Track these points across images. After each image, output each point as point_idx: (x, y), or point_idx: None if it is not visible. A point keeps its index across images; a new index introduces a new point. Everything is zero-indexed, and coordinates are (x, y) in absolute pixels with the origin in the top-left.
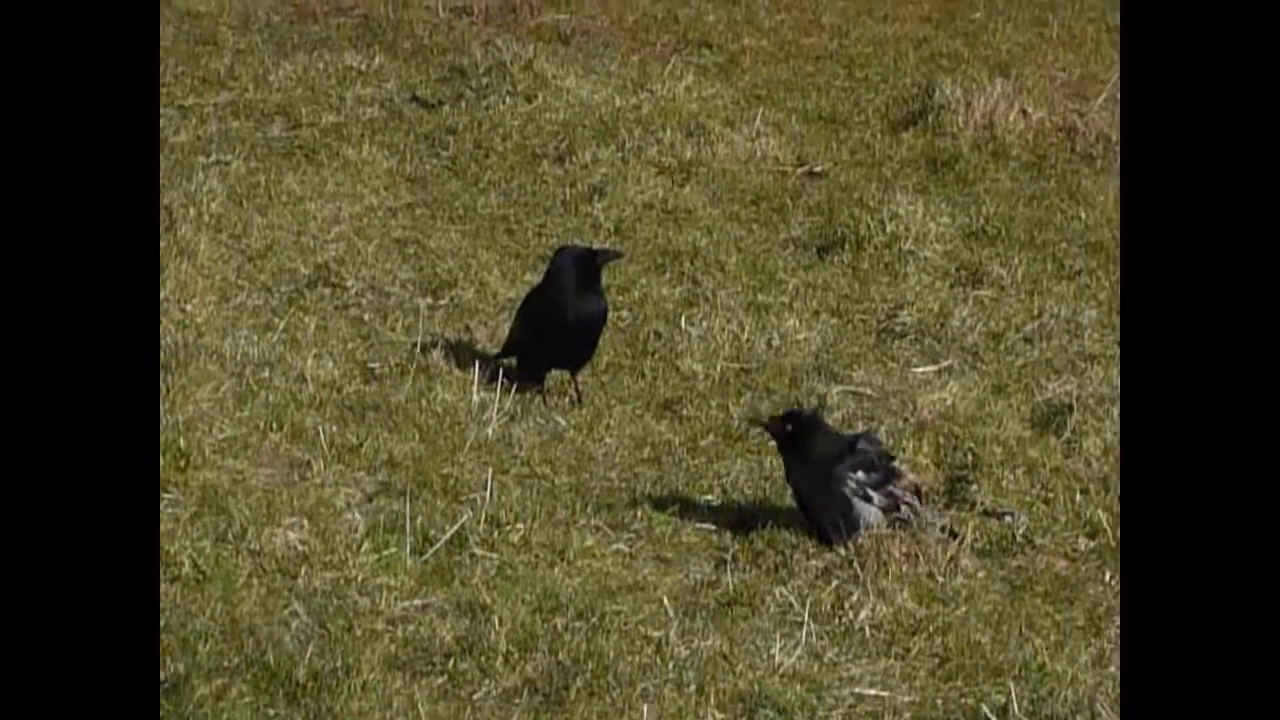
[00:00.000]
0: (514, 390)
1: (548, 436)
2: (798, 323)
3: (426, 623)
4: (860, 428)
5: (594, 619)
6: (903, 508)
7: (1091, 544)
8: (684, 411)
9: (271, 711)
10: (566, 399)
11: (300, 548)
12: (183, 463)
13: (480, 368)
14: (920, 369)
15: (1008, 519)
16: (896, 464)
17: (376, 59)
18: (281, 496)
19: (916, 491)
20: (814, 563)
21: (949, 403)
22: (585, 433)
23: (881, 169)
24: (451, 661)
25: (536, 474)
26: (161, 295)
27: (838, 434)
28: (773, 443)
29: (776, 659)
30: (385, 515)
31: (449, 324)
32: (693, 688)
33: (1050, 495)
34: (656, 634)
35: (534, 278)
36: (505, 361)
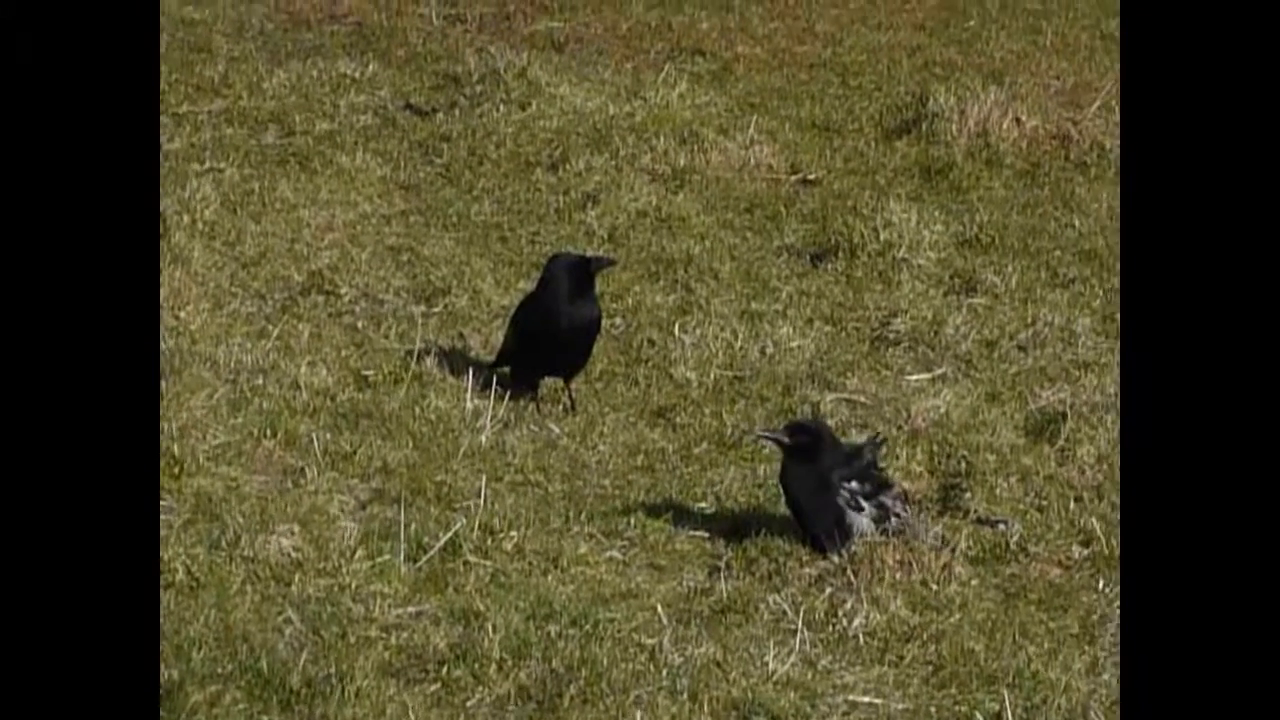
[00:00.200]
0: (507, 398)
1: (541, 444)
2: (791, 330)
3: (420, 630)
4: (854, 435)
5: (587, 626)
6: (893, 518)
7: (1085, 552)
8: (677, 419)
9: (265, 718)
10: (560, 406)
11: (294, 555)
12: (176, 470)
13: (474, 375)
14: (914, 377)
15: (1001, 527)
16: (886, 473)
17: (370, 67)
18: (275, 504)
19: (906, 500)
20: (808, 570)
21: (943, 410)
22: (579, 440)
23: (875, 177)
24: (445, 668)
25: (530, 481)
26: None
27: (838, 441)
28: (768, 450)
29: (770, 666)
30: (379, 522)
31: (443, 331)
32: (686, 695)
33: (1044, 503)
34: (650, 641)
35: (528, 285)
36: (499, 369)
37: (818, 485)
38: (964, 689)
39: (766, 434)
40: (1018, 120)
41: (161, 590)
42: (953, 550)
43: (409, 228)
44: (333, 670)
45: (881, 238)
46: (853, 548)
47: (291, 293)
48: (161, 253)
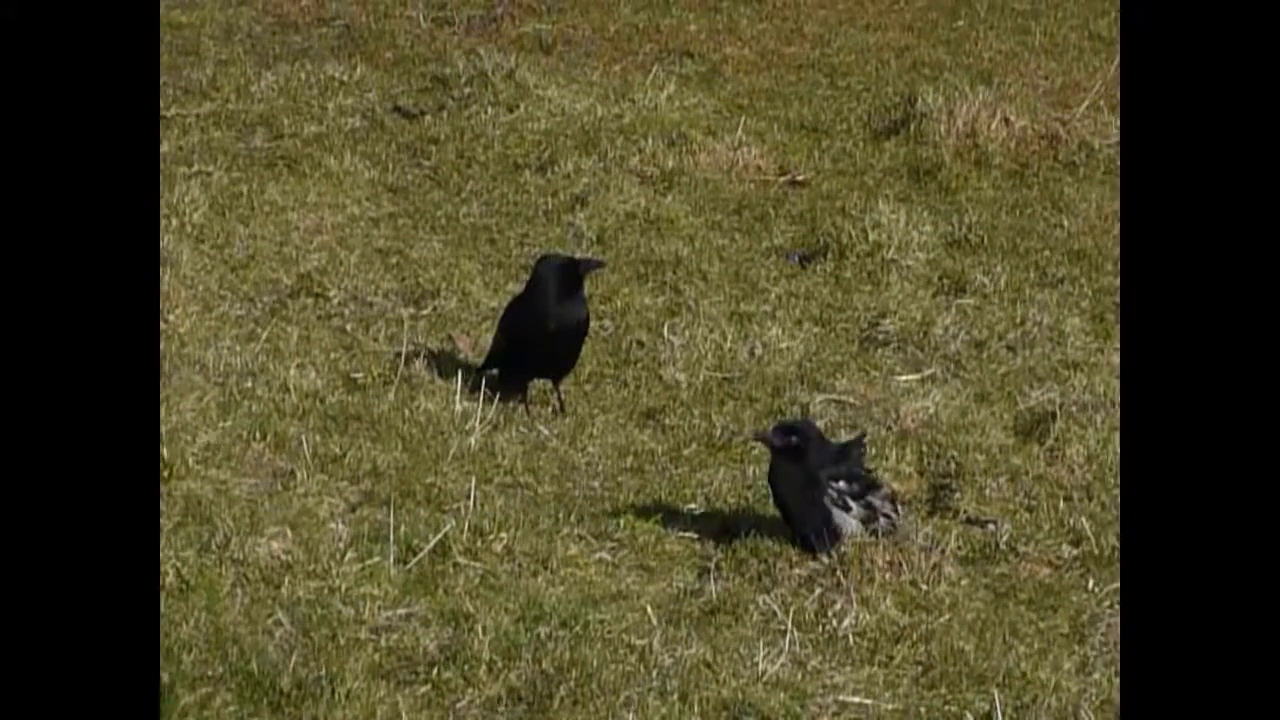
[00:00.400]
0: (497, 400)
1: (531, 446)
2: (780, 332)
3: (410, 632)
4: (843, 436)
5: (577, 628)
6: (881, 519)
7: (1075, 551)
8: (667, 421)
9: None
10: (549, 408)
11: (284, 557)
12: (166, 472)
13: (463, 377)
14: (903, 377)
15: (991, 527)
16: (875, 474)
17: (358, 69)
18: (265, 506)
19: (895, 501)
20: (797, 571)
21: (932, 411)
22: (568, 442)
23: (864, 178)
24: (435, 670)
25: (519, 483)
26: None
27: (827, 441)
28: (756, 451)
29: (760, 667)
30: (368, 525)
31: (431, 334)
32: (676, 696)
33: (1033, 503)
34: (640, 642)
35: (516, 287)
36: (488, 371)
37: (806, 485)
38: (954, 689)
39: (757, 435)
40: (1006, 121)
41: None
42: (942, 550)
43: (397, 230)
44: (323, 672)
45: (870, 238)
46: (842, 548)
47: (280, 295)
48: None
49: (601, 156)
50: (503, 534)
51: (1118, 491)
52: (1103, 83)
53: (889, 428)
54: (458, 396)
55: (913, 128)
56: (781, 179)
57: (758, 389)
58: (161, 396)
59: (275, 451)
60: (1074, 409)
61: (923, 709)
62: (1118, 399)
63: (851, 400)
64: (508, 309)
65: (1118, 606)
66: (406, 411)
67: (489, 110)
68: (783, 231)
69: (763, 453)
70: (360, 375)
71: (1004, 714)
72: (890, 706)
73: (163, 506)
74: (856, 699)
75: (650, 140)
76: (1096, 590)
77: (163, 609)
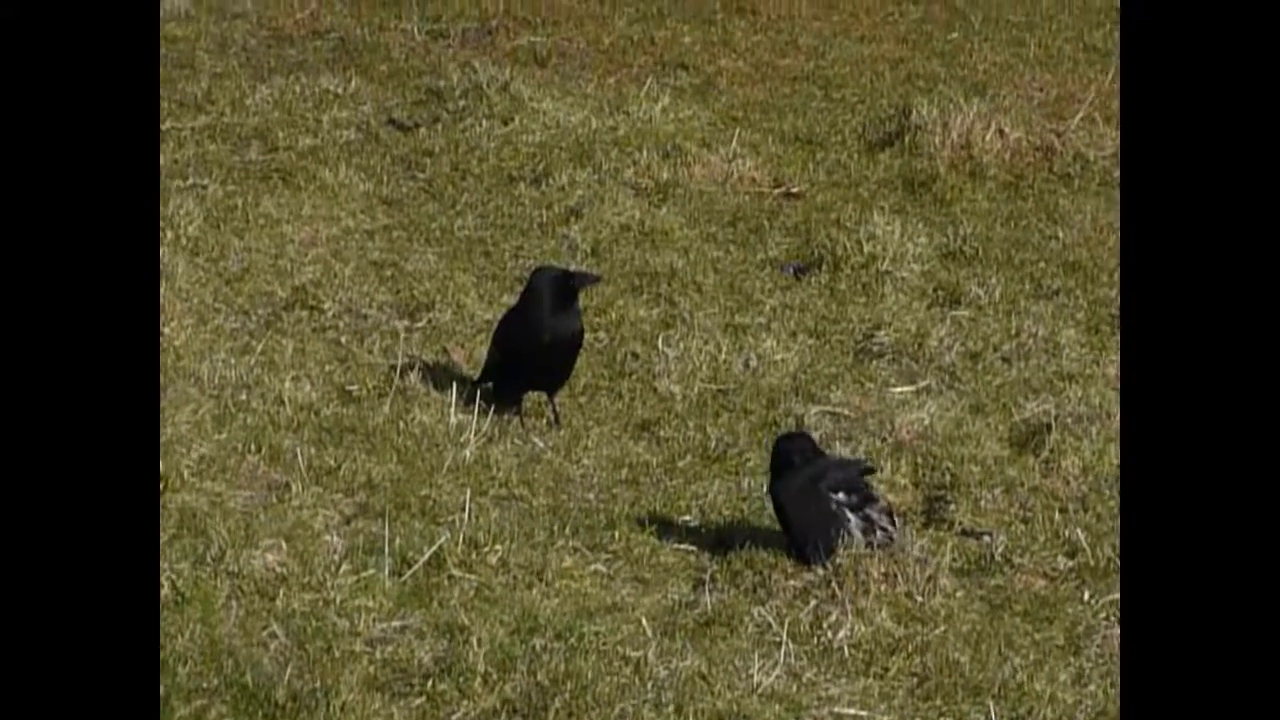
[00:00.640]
0: (491, 412)
1: (525, 458)
2: (775, 343)
3: (405, 644)
4: (838, 448)
5: (572, 640)
6: (878, 532)
7: (1070, 563)
8: (661, 432)
9: None
10: (544, 420)
11: (279, 569)
12: (161, 485)
13: (458, 390)
14: (898, 389)
15: (986, 538)
16: (873, 486)
17: (353, 82)
18: (260, 518)
19: (892, 514)
20: (792, 582)
21: (927, 423)
22: (563, 454)
23: (858, 189)
24: (430, 682)
25: (514, 495)
26: None
27: (824, 453)
28: (752, 462)
29: (755, 679)
30: (363, 537)
31: (426, 346)
32: (671, 708)
33: (1029, 515)
34: (635, 654)
35: (511, 299)
36: (483, 384)
37: (805, 496)
38: (949, 701)
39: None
40: (1001, 132)
41: None
42: (938, 562)
43: (392, 243)
44: (318, 684)
45: (865, 250)
46: (838, 560)
47: (275, 308)
48: None
49: (596, 169)
50: (498, 546)
51: (1113, 503)
52: (1097, 94)
53: (884, 439)
54: (452, 409)
55: (907, 139)
56: (776, 191)
57: (752, 401)
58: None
59: (270, 464)
60: (1069, 420)
61: None
62: (1113, 410)
63: (846, 412)
64: (502, 321)
65: (1114, 618)
66: (401, 424)
67: (484, 123)
68: (777, 243)
69: (758, 464)
70: (355, 388)
71: None
72: (886, 718)
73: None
74: (852, 711)
75: (645, 152)
76: (1092, 602)
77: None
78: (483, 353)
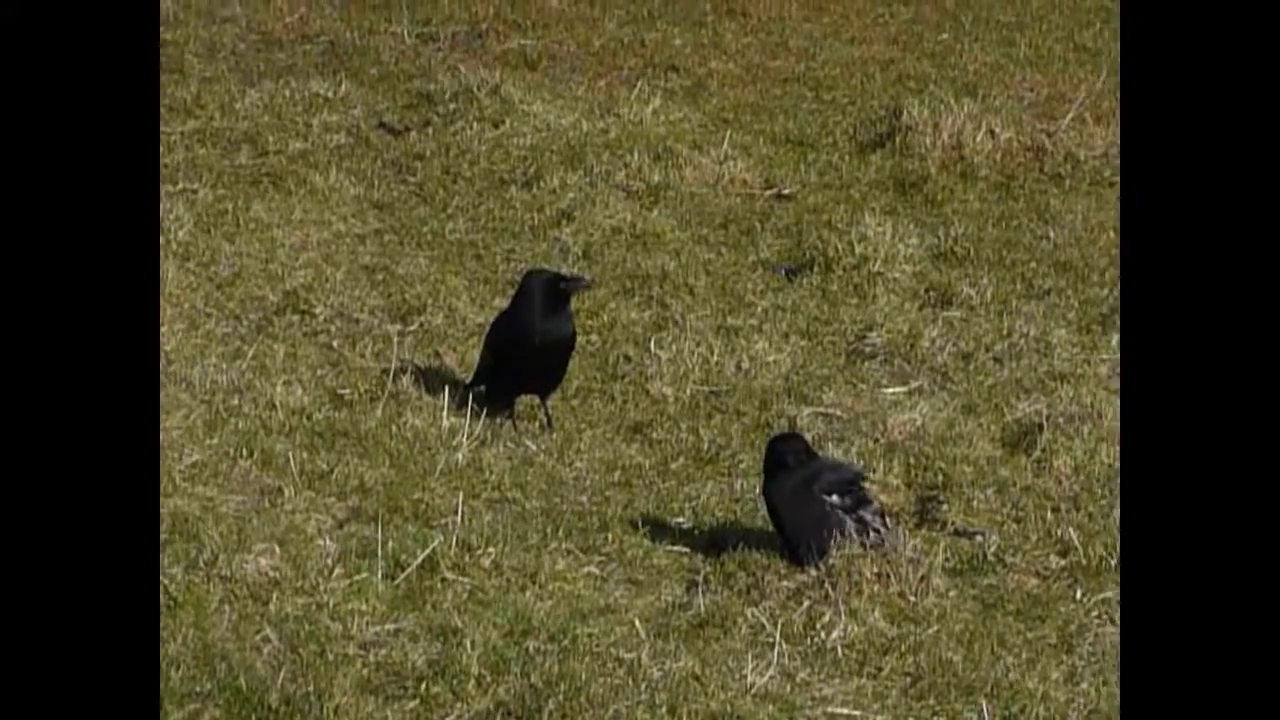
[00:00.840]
0: (484, 415)
1: (518, 461)
2: (767, 345)
3: (398, 647)
4: (831, 449)
5: (566, 642)
6: (871, 533)
7: (1062, 562)
8: (654, 435)
9: None
10: (536, 423)
11: (272, 574)
12: None
13: (450, 393)
14: (890, 390)
15: (978, 538)
16: (866, 488)
17: (343, 86)
18: (252, 523)
19: (884, 516)
20: (785, 583)
21: (919, 423)
22: (556, 457)
23: (850, 191)
24: (424, 685)
25: (507, 498)
26: None
27: (817, 455)
28: (745, 464)
29: (749, 680)
30: (356, 541)
31: (418, 350)
32: (665, 709)
33: (1021, 514)
34: (628, 656)
35: (503, 302)
36: (476, 387)
37: (798, 498)
38: (942, 700)
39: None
40: (991, 133)
41: None
42: (930, 562)
43: (383, 246)
44: (311, 688)
45: (856, 251)
46: (831, 561)
47: (266, 313)
48: None
49: (587, 171)
50: (490, 549)
51: (1105, 502)
52: (1088, 94)
53: (876, 440)
54: (445, 412)
55: (898, 140)
56: (767, 192)
57: (745, 403)
58: None
59: (262, 468)
60: (1061, 420)
61: None
62: (1105, 410)
63: (839, 413)
64: (494, 324)
65: (1106, 616)
66: (394, 428)
67: (474, 126)
68: (769, 245)
69: (751, 466)
70: (347, 392)
71: None
72: (879, 718)
73: None
74: (845, 711)
75: (636, 155)
76: (1084, 600)
77: None
78: (475, 356)
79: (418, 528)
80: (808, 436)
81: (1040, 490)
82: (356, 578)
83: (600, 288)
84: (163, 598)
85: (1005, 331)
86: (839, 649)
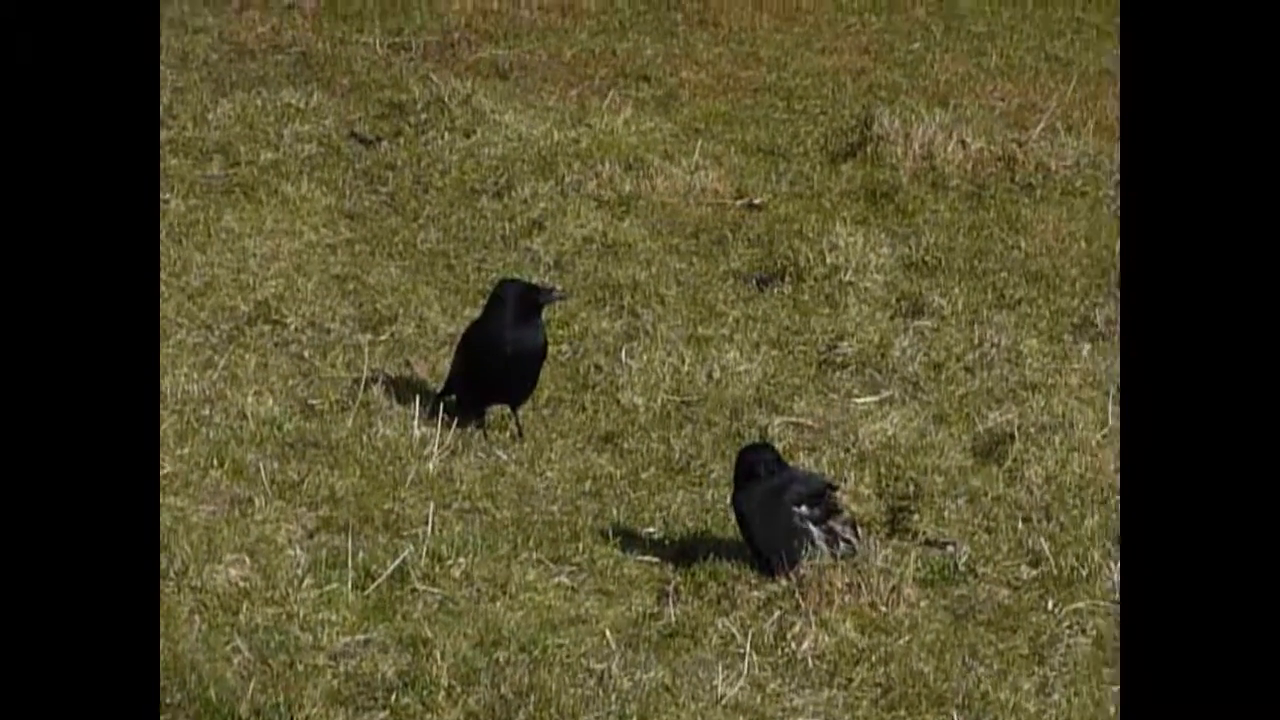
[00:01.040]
0: (455, 425)
1: (489, 471)
2: (738, 355)
3: (369, 658)
4: (802, 459)
5: (536, 652)
6: (842, 544)
7: (1034, 572)
8: (625, 444)
9: None
10: (507, 433)
11: (242, 584)
12: None
13: (421, 403)
14: (861, 400)
15: (950, 548)
16: (837, 498)
17: (315, 96)
18: (223, 533)
19: (855, 526)
20: (756, 594)
21: (890, 433)
22: (526, 467)
23: (821, 200)
24: (394, 696)
25: (478, 508)
26: None
27: (787, 465)
28: (715, 473)
29: (719, 690)
30: (327, 551)
31: (389, 360)
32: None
33: (992, 524)
34: (599, 666)
35: (474, 312)
36: (446, 397)
37: (768, 508)
38: (913, 711)
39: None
40: (963, 142)
41: None
42: (901, 572)
43: (355, 256)
44: (281, 699)
45: (828, 261)
46: (801, 571)
47: (238, 323)
48: None
49: (558, 181)
50: (461, 559)
51: (1076, 512)
52: (1059, 104)
53: (847, 450)
54: (416, 422)
55: (869, 150)
56: (739, 202)
57: (716, 412)
58: None
59: (233, 478)
60: (1032, 430)
61: None
62: (1076, 419)
63: (810, 423)
64: (465, 334)
65: (1077, 627)
66: (365, 437)
67: (446, 136)
68: (740, 255)
69: (722, 476)
70: (318, 402)
71: None
72: None
73: None
74: None
75: (607, 164)
76: (1056, 611)
77: None
78: (446, 366)
79: (388, 538)
80: (779, 446)
81: (1011, 500)
82: (327, 588)
83: (571, 298)
84: None
85: (976, 341)
86: (810, 659)
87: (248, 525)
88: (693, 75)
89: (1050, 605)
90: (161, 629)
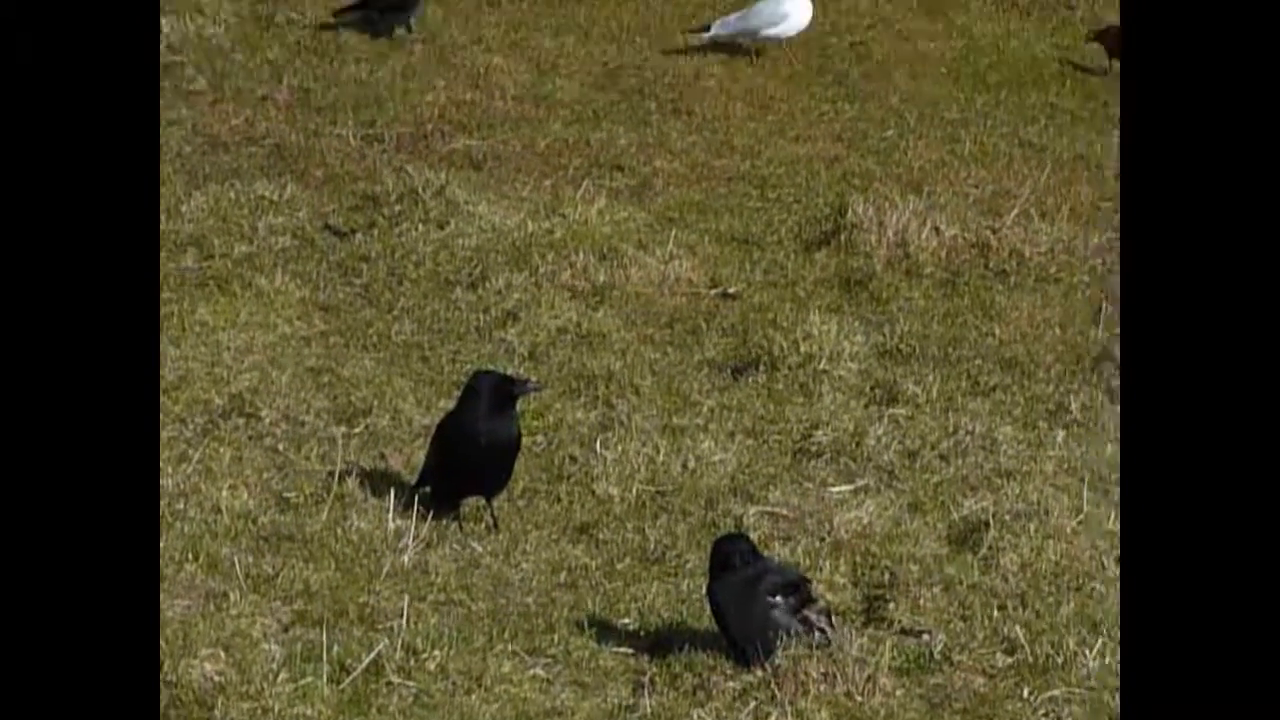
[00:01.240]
0: (430, 517)
1: (464, 563)
2: (713, 444)
3: None
4: (777, 549)
5: None
6: (817, 633)
7: (1009, 660)
8: (600, 535)
9: None
10: (482, 525)
11: (217, 678)
12: None
13: (396, 495)
14: (836, 488)
15: (925, 637)
16: (811, 587)
17: (288, 188)
18: (198, 628)
19: (830, 615)
20: (732, 684)
21: (865, 521)
22: (502, 558)
23: (795, 289)
24: None
25: (453, 601)
26: None
27: (761, 555)
28: (691, 564)
29: None
30: (302, 644)
31: (364, 452)
32: None
33: (968, 612)
34: None
35: (448, 404)
36: (421, 489)
37: (744, 598)
38: None
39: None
40: (937, 230)
41: None
42: (877, 661)
43: (329, 349)
44: None
45: (802, 350)
46: (777, 661)
47: (212, 416)
48: None
49: (533, 272)
50: (436, 652)
51: (1052, 599)
52: (1032, 190)
53: (823, 539)
54: (390, 514)
55: (843, 238)
56: (713, 292)
57: (691, 502)
58: None
59: (208, 573)
60: (1007, 517)
61: None
62: (1051, 506)
63: (785, 512)
64: (440, 426)
65: (1053, 714)
66: (339, 530)
67: (419, 227)
68: (715, 344)
69: (697, 566)
70: (293, 494)
71: None
72: None
73: None
74: None
75: (581, 255)
76: (1031, 699)
77: None
78: (421, 458)
79: (363, 631)
80: (754, 536)
81: (987, 588)
82: (302, 682)
83: (546, 389)
84: None
85: (951, 429)
86: None
87: (223, 620)
88: (666, 164)
89: (1025, 693)
90: None
